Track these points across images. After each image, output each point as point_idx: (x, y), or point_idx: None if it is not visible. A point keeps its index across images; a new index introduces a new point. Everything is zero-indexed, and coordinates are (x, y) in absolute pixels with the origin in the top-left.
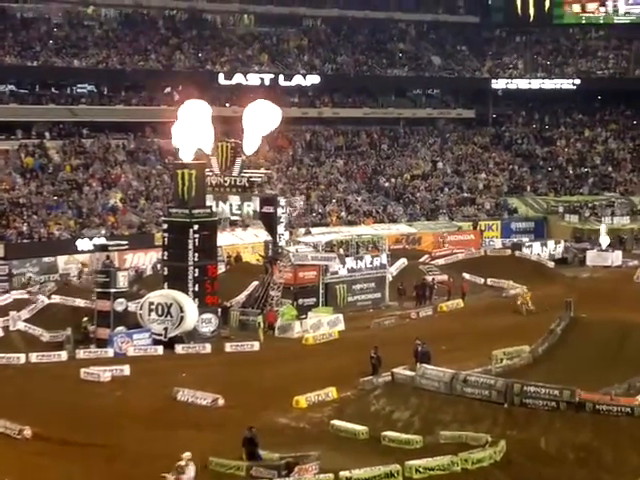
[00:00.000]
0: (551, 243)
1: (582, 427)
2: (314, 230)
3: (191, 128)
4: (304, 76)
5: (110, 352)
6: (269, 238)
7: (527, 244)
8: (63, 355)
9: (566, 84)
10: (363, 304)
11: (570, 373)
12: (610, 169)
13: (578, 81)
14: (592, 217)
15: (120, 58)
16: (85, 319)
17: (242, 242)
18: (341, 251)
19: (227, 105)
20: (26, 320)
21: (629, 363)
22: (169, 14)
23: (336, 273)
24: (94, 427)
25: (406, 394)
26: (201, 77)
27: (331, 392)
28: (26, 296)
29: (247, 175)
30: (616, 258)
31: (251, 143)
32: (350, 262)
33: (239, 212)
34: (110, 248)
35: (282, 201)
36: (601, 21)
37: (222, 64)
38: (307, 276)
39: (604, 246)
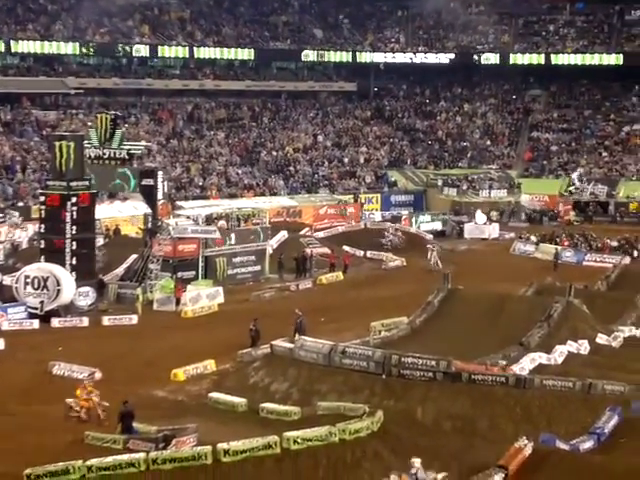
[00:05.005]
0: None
1: (458, 397)
2: (195, 203)
3: None
4: (185, 48)
5: None
6: (148, 211)
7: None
8: None
9: (446, 58)
10: (243, 277)
11: (447, 344)
12: (489, 143)
13: (458, 55)
14: (470, 190)
15: None
16: None
17: (121, 215)
18: (221, 223)
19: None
20: None
21: (504, 333)
22: None
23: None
24: None
25: (285, 366)
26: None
27: (210, 365)
28: None
29: (126, 147)
30: (493, 231)
31: None
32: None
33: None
34: None
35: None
36: None
37: (102, 35)
38: (187, 249)
39: (480, 223)
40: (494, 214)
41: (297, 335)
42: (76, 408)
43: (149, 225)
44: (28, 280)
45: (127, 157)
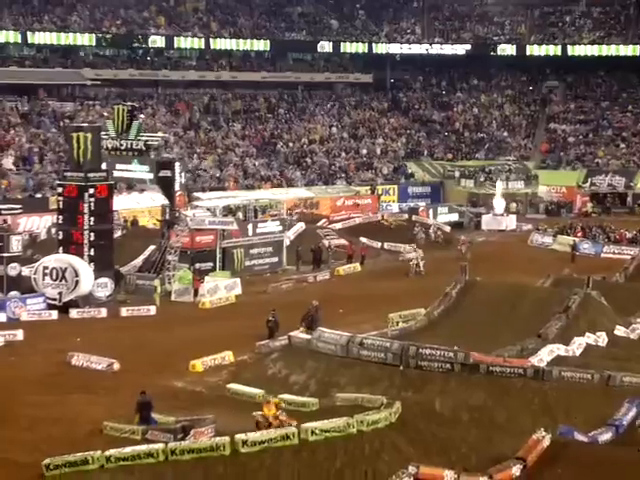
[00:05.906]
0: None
1: (476, 388)
2: (212, 194)
3: None
4: (201, 39)
5: (3, 317)
6: (166, 202)
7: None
8: None
9: (462, 49)
10: (260, 268)
11: (465, 335)
12: (505, 134)
13: (474, 46)
14: (487, 182)
15: (13, 18)
16: None
17: (139, 206)
18: (239, 215)
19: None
20: None
21: (522, 325)
22: None
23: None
24: None
25: (303, 357)
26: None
27: (228, 356)
28: None
29: (143, 138)
30: (510, 222)
31: None
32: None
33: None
34: (3, 212)
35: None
36: None
37: (118, 26)
38: (204, 240)
39: (499, 210)
40: (513, 206)
41: (302, 326)
42: (264, 423)
43: (167, 216)
44: (47, 271)
45: (144, 148)
